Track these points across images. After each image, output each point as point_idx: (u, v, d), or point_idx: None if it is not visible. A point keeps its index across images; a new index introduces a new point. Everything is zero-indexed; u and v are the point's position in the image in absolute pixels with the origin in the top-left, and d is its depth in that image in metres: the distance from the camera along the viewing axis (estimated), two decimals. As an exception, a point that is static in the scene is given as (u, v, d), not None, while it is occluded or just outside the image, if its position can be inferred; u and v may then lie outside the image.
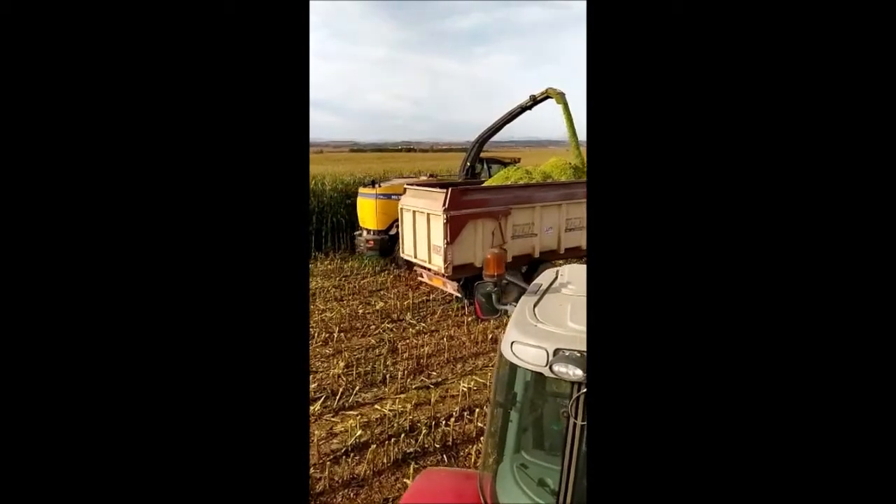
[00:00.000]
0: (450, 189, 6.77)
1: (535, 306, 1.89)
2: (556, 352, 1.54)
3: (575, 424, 1.55)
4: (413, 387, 5.21)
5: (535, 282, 2.25)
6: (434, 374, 5.54)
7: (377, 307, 7.64)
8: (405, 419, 4.54)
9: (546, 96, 9.19)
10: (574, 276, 2.29)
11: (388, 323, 7.01)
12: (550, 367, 1.54)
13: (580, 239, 8.13)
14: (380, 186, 9.56)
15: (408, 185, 8.14)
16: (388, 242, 9.53)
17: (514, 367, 1.73)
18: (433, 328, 6.83)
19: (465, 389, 5.08)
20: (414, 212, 7.45)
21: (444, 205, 6.66)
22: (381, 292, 8.47)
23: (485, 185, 8.31)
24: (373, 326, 6.88)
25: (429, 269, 7.49)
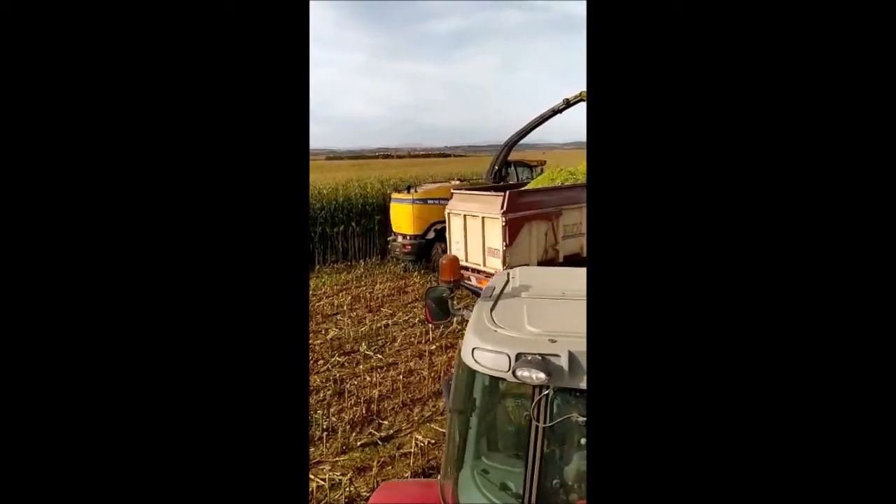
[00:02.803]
0: (507, 192, 6.90)
1: (492, 311, 1.91)
2: (517, 356, 1.57)
3: (538, 427, 1.59)
4: (358, 443, 4.37)
5: (488, 285, 2.28)
6: (385, 423, 4.72)
7: (329, 336, 6.84)
8: (341, 494, 3.69)
9: (581, 99, 9.39)
10: (526, 279, 2.29)
11: (339, 356, 6.19)
12: (513, 373, 1.56)
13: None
14: (415, 191, 9.64)
15: (454, 189, 8.24)
16: (424, 247, 9.62)
17: (473, 373, 1.75)
18: (391, 360, 6.09)
19: (421, 444, 4.28)
20: (465, 215, 7.55)
21: (502, 208, 6.78)
22: (337, 316, 7.69)
23: (532, 187, 8.45)
24: (321, 361, 6.04)
25: (479, 272, 7.60)
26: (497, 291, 2.16)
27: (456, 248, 7.90)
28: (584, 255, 7.83)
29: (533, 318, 1.82)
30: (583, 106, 9.48)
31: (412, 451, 4.22)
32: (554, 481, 1.70)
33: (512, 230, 6.88)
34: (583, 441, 1.61)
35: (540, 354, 1.57)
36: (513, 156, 11.18)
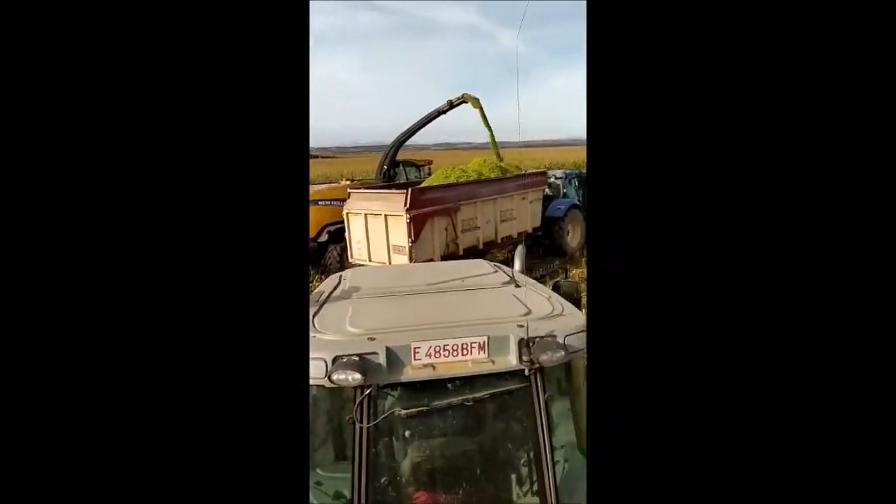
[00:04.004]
0: (409, 189, 7.01)
1: (314, 316, 1.89)
2: (334, 360, 1.55)
3: (361, 429, 1.58)
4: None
5: (317, 290, 2.35)
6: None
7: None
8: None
9: (462, 101, 9.89)
10: (357, 280, 2.34)
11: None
12: (329, 378, 1.54)
13: (512, 228, 9.05)
14: (305, 193, 9.19)
15: (352, 189, 8.08)
16: (316, 250, 9.23)
17: None
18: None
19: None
20: (366, 214, 7.46)
21: (405, 205, 6.87)
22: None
23: (429, 184, 8.67)
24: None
25: (384, 271, 7.59)
26: (325, 296, 2.14)
27: (357, 248, 7.76)
28: (481, 247, 8.34)
29: (356, 318, 1.81)
30: (465, 108, 10.03)
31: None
32: (383, 479, 1.67)
33: (416, 226, 7.02)
34: (408, 433, 1.61)
35: (357, 355, 1.55)
36: (400, 155, 11.32)
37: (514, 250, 11.67)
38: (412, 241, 6.99)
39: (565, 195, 11.00)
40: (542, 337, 1.63)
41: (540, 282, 2.56)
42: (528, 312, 1.79)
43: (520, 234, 9.35)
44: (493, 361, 1.62)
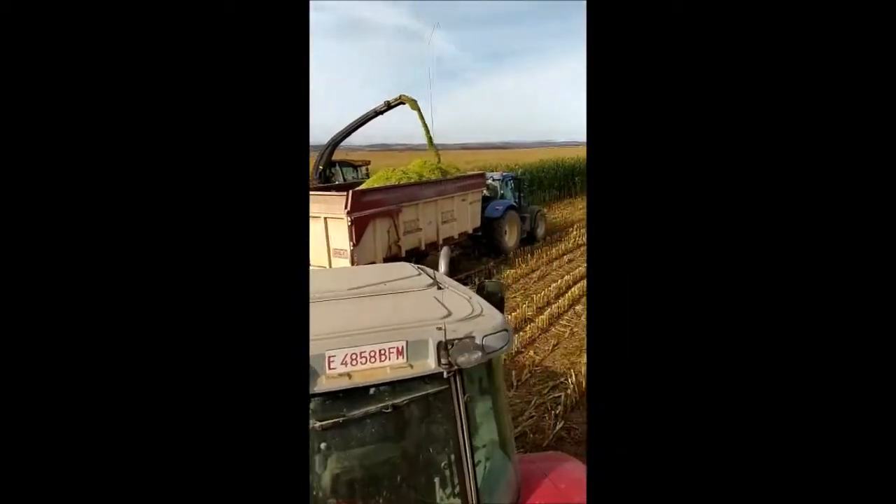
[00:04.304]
0: (350, 191, 6.84)
1: None
2: None
3: None
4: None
5: None
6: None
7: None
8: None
9: (400, 102, 9.84)
10: None
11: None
12: None
13: (454, 229, 9.15)
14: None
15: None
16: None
17: None
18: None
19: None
20: (304, 218, 7.19)
21: (346, 207, 6.70)
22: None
23: (369, 186, 8.51)
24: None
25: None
26: None
27: (295, 252, 7.46)
28: (423, 248, 8.34)
29: None
30: (402, 109, 9.98)
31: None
32: None
33: (358, 229, 6.87)
34: (324, 446, 1.58)
35: None
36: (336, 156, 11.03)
37: (452, 251, 11.75)
38: (354, 245, 6.84)
39: (502, 196, 11.31)
40: (460, 339, 1.63)
41: (467, 283, 2.59)
42: (448, 315, 1.79)
43: (461, 234, 9.48)
44: (411, 366, 1.61)
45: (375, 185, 8.27)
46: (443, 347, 1.61)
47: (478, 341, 1.66)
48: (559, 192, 20.82)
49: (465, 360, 1.60)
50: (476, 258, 10.57)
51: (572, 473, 2.11)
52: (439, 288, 2.12)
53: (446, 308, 1.85)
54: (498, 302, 2.25)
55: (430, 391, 1.65)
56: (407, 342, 1.61)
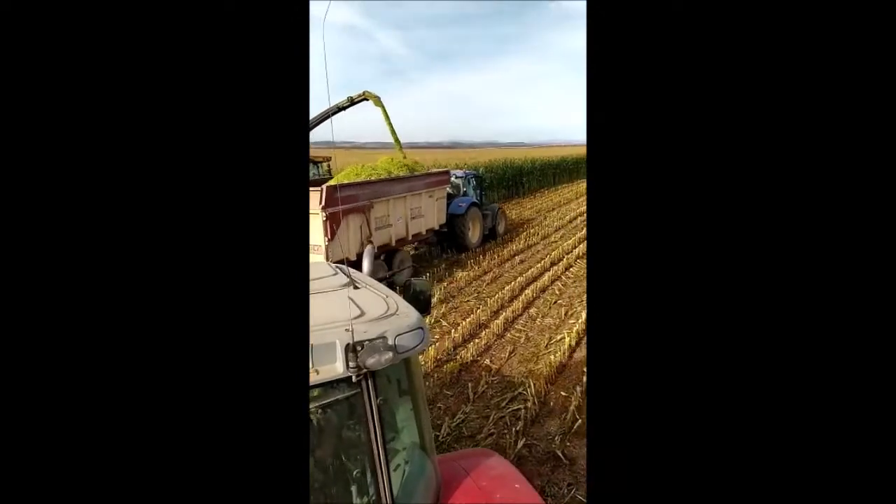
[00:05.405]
0: (324, 187, 6.79)
1: None
2: None
3: None
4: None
5: None
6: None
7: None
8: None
9: (363, 98, 9.82)
10: None
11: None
12: None
13: (421, 226, 9.28)
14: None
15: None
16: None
17: None
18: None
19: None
20: (274, 214, 7.04)
21: (321, 203, 6.65)
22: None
23: (339, 182, 8.44)
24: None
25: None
26: None
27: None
28: (394, 244, 8.41)
29: None
30: (365, 105, 9.96)
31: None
32: None
33: (332, 224, 6.85)
34: None
35: None
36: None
37: (420, 247, 11.69)
38: (329, 240, 6.80)
39: (465, 194, 11.56)
40: (370, 340, 1.54)
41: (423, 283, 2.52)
42: (361, 315, 1.69)
43: (428, 230, 9.63)
44: (317, 371, 1.50)
45: (347, 181, 8.23)
46: (351, 350, 1.51)
47: (390, 341, 1.57)
48: (507, 191, 21.18)
49: (375, 361, 1.52)
50: (433, 257, 10.51)
51: (494, 470, 2.08)
52: (355, 287, 2.03)
53: (359, 308, 1.76)
54: (425, 301, 2.21)
55: (338, 397, 1.55)
56: (312, 346, 1.48)
